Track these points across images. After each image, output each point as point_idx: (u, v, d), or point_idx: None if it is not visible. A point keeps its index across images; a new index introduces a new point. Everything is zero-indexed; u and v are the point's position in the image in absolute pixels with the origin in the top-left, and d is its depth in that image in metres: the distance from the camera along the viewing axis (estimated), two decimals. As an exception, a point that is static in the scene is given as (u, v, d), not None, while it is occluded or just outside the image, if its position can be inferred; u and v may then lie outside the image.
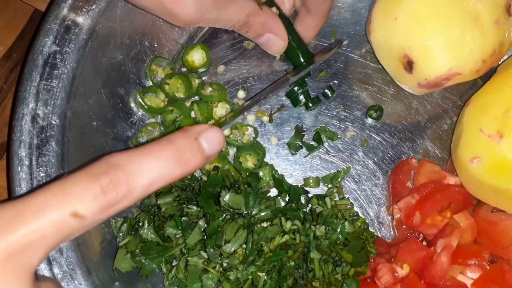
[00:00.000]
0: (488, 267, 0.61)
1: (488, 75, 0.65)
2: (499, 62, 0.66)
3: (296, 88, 0.69)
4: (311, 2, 0.66)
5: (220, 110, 0.69)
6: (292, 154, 0.70)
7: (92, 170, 0.37)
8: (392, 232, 0.68)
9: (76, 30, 0.62)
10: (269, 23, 0.65)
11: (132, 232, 0.61)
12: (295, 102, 0.70)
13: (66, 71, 0.61)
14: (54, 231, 0.35)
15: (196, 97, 0.70)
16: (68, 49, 0.62)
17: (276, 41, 0.67)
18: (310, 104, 0.70)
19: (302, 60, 0.69)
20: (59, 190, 0.36)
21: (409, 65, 0.63)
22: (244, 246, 0.58)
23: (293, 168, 0.70)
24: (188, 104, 0.69)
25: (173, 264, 0.61)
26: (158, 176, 0.39)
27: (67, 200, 0.36)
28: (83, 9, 0.62)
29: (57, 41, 0.62)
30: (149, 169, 0.39)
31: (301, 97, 0.69)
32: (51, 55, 0.61)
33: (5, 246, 0.34)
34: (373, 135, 0.70)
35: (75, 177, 0.37)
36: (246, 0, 0.63)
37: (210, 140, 0.42)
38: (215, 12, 0.61)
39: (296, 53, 0.69)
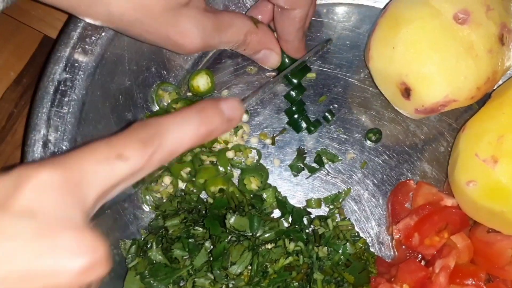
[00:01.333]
0: (484, 287, 0.63)
1: (483, 100, 0.68)
2: (493, 88, 0.68)
3: (296, 116, 0.72)
4: (283, 33, 0.68)
5: (225, 133, 0.71)
6: (294, 176, 0.72)
7: (128, 128, 0.42)
8: (392, 252, 0.70)
9: (85, 58, 0.64)
10: (264, 39, 0.69)
11: (141, 254, 0.63)
12: (297, 129, 0.72)
13: (76, 97, 0.63)
14: (104, 170, 0.39)
15: (201, 121, 0.72)
16: (78, 77, 0.64)
17: (271, 56, 0.70)
18: (312, 128, 0.72)
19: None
20: (103, 142, 0.40)
21: (406, 92, 0.65)
22: (250, 267, 0.60)
23: (295, 190, 0.72)
24: (193, 128, 0.71)
25: (180, 285, 0.63)
26: (185, 133, 0.44)
27: (111, 147, 0.40)
28: (92, 37, 0.64)
29: (67, 69, 0.64)
30: (177, 126, 0.43)
31: (302, 123, 0.72)
32: (62, 82, 0.63)
33: (64, 177, 0.37)
34: (373, 157, 0.72)
35: (116, 135, 0.41)
36: (243, 21, 0.66)
37: (229, 105, 0.47)
38: (217, 38, 0.64)
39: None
